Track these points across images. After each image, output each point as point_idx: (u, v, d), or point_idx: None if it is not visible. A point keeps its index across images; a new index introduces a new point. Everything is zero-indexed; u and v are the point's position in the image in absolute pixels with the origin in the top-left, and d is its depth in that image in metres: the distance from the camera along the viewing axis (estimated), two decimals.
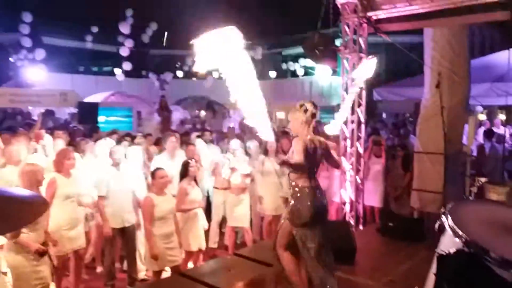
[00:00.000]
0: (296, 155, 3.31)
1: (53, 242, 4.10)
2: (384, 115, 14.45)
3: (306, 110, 3.39)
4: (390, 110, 14.38)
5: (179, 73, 20.01)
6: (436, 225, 1.91)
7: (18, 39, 15.79)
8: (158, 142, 6.93)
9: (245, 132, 9.90)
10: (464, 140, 6.77)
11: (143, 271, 5.21)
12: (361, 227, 6.18)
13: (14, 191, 1.95)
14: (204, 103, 13.77)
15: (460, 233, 1.75)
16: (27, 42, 15.48)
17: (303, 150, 3.27)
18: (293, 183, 3.36)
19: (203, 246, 5.07)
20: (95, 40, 17.77)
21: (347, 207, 6.16)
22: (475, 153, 7.59)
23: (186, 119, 12.46)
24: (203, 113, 14.17)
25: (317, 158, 3.43)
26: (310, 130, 3.42)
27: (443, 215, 1.89)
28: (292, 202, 3.36)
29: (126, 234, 4.95)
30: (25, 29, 15.27)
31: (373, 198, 6.62)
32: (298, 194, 3.31)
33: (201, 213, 5.08)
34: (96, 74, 20.19)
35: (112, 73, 19.18)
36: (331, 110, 16.12)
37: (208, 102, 13.52)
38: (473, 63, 7.08)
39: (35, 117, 12.41)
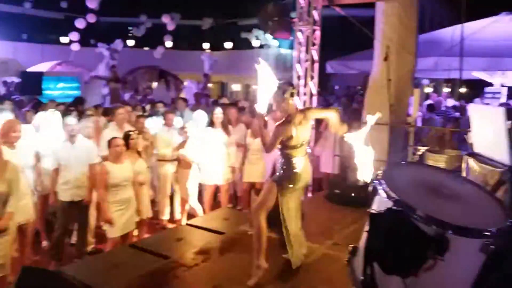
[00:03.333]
0: None
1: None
2: (337, 88, 14.75)
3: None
4: (343, 83, 14.69)
5: (130, 42, 19.27)
6: (370, 188, 2.02)
7: None
8: (107, 113, 6.73)
9: (200, 104, 9.82)
10: (410, 111, 7.07)
11: (92, 244, 5.17)
12: (310, 194, 6.39)
13: None
14: (156, 74, 13.34)
15: (390, 193, 1.87)
16: None
17: None
18: None
19: (145, 216, 5.13)
20: (37, 5, 16.59)
21: None
22: (419, 124, 7.98)
23: (138, 90, 12.11)
24: (155, 84, 13.78)
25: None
26: None
27: (376, 178, 2.00)
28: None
29: (78, 207, 4.85)
30: None
31: (329, 166, 6.86)
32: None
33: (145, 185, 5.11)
34: (43, 43, 18.99)
35: (58, 42, 18.18)
36: None
37: (160, 72, 13.10)
38: (421, 38, 7.34)
39: None
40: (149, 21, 17.26)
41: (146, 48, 19.69)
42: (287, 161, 3.42)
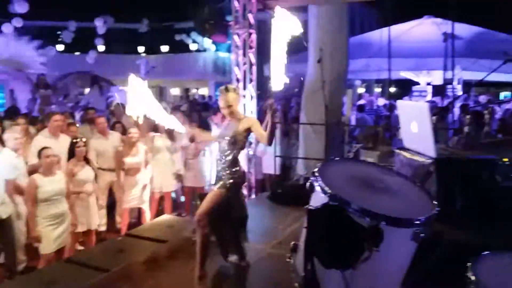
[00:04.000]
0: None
1: None
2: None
3: None
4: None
5: (60, 47, 18.30)
6: (307, 185, 2.06)
7: None
8: (35, 122, 6.32)
9: None
10: (344, 111, 7.37)
11: (24, 263, 4.82)
12: (253, 196, 6.44)
13: None
14: (88, 79, 12.72)
15: (326, 188, 1.92)
16: None
17: None
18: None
19: (93, 227, 4.93)
20: None
21: None
22: (353, 123, 8.33)
23: (69, 97, 11.51)
24: (87, 90, 13.15)
25: None
26: None
27: (312, 175, 2.05)
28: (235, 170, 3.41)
29: (3, 225, 4.47)
30: None
31: (271, 167, 6.91)
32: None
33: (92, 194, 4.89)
34: None
35: None
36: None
37: (92, 78, 12.51)
38: (352, 40, 7.68)
39: None
40: (78, 25, 16.46)
41: (77, 53, 18.80)
42: (236, 161, 3.43)
